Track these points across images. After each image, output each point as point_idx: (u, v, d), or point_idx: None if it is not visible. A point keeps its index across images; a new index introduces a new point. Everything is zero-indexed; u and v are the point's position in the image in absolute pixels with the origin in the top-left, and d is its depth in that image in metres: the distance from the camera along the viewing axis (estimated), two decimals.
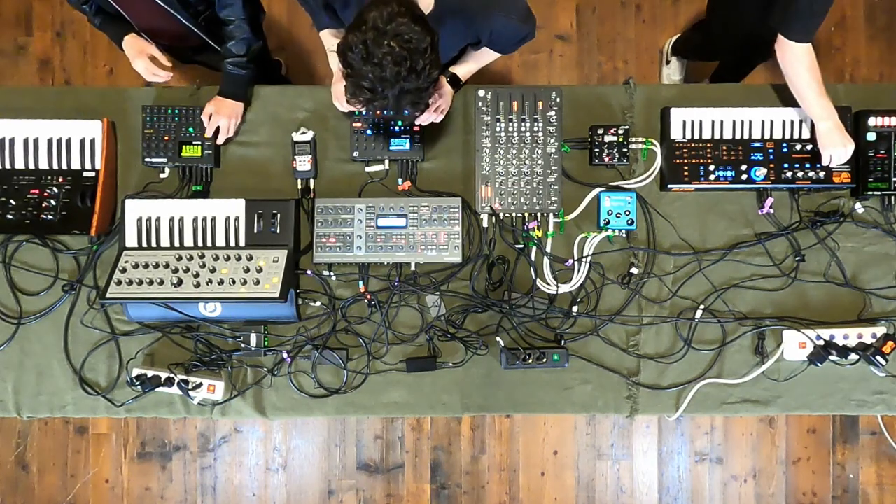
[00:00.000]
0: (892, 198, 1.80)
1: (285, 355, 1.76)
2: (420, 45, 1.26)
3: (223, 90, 1.75)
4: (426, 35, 1.27)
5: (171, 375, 1.70)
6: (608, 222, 1.77)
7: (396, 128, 1.77)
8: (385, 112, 1.36)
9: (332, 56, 1.69)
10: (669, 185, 1.79)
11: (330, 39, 1.72)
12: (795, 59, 1.62)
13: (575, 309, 1.78)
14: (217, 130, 1.77)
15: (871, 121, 1.78)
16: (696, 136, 1.79)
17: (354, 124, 1.78)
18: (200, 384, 1.72)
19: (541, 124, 1.77)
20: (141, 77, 1.79)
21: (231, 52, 1.72)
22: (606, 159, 1.78)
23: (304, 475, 2.82)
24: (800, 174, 1.76)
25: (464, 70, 1.75)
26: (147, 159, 1.79)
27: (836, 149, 1.69)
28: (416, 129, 1.76)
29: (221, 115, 1.75)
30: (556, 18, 2.90)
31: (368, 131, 1.77)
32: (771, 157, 1.77)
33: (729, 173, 1.77)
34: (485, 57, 1.74)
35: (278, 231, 1.74)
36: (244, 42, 1.72)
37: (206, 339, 1.77)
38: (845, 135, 1.69)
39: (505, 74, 2.90)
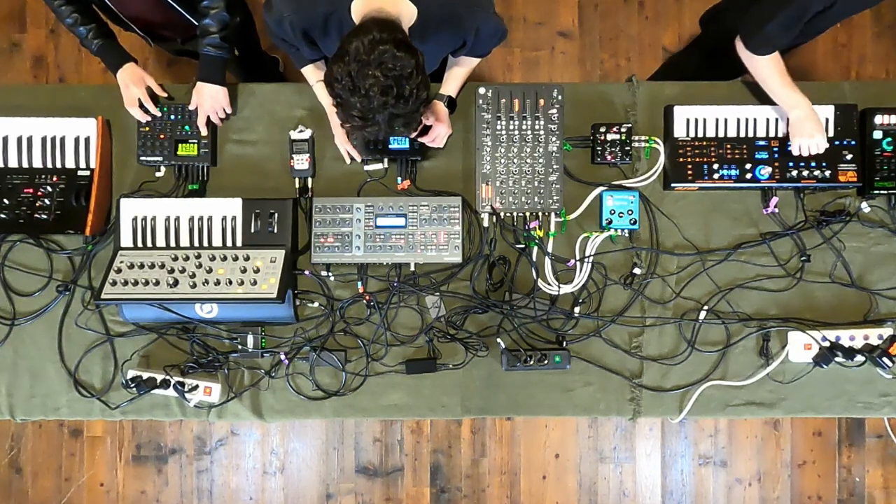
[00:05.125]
0: None
1: (283, 357, 1.74)
2: (405, 71, 1.24)
3: (200, 75, 1.70)
4: (410, 58, 1.25)
5: (167, 377, 1.68)
6: (610, 222, 1.74)
7: None
8: (378, 136, 1.36)
9: (317, 88, 1.70)
10: (673, 184, 1.77)
11: (313, 74, 1.71)
12: (751, 56, 1.63)
13: (577, 310, 1.76)
14: (209, 120, 1.75)
15: (878, 119, 1.75)
16: (700, 135, 1.77)
17: None
18: (196, 386, 1.70)
19: (542, 122, 1.75)
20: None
21: (207, 29, 1.66)
22: (609, 158, 1.76)
23: (302, 478, 2.79)
24: (805, 173, 1.74)
25: (454, 87, 1.74)
26: (142, 158, 1.77)
27: (804, 139, 1.67)
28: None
29: (204, 107, 1.72)
30: (557, 15, 2.89)
31: None
32: (776, 155, 1.75)
33: (733, 172, 1.74)
34: (466, 66, 1.73)
35: (276, 231, 1.71)
36: (218, 17, 1.65)
37: (203, 340, 1.75)
38: (817, 125, 1.66)
39: (506, 72, 2.89)
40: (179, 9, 1.79)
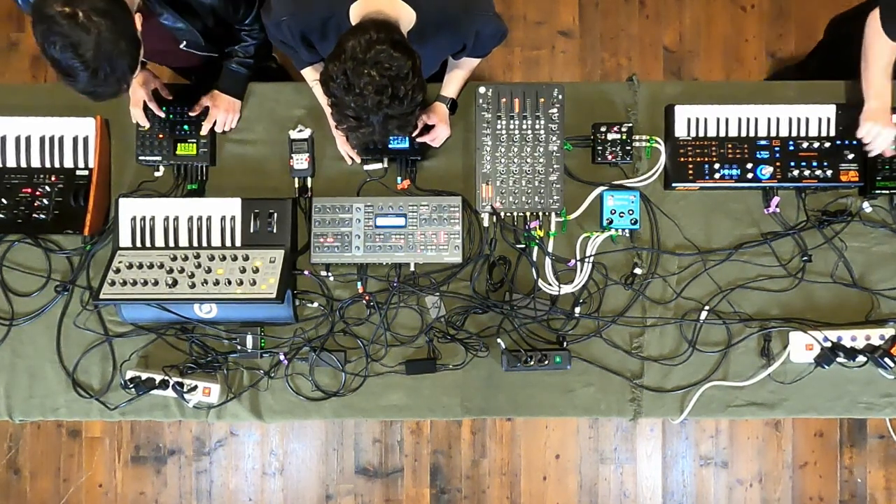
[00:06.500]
0: None
1: (282, 357, 1.73)
2: (401, 72, 1.24)
3: (222, 86, 1.73)
4: (406, 60, 1.25)
5: (166, 378, 1.67)
6: (611, 222, 1.74)
7: None
8: (373, 138, 1.34)
9: (316, 89, 1.70)
10: (673, 184, 1.76)
11: (312, 75, 1.71)
12: (879, 32, 1.60)
13: (577, 310, 1.75)
14: (213, 123, 1.75)
15: None
16: (701, 134, 1.76)
17: None
18: (195, 387, 1.69)
19: (542, 122, 1.74)
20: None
21: (238, 52, 1.71)
22: (609, 157, 1.75)
23: (302, 479, 2.78)
24: (806, 173, 1.73)
25: (454, 89, 1.73)
26: (141, 157, 1.76)
27: (877, 125, 1.65)
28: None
29: (219, 109, 1.73)
30: (558, 14, 2.88)
31: None
32: (777, 155, 1.74)
33: (734, 172, 1.74)
34: (466, 68, 1.72)
35: (275, 231, 1.71)
36: (254, 46, 1.71)
37: (202, 340, 1.74)
38: (889, 122, 1.66)
39: (506, 71, 2.88)
40: (215, 55, 1.77)
